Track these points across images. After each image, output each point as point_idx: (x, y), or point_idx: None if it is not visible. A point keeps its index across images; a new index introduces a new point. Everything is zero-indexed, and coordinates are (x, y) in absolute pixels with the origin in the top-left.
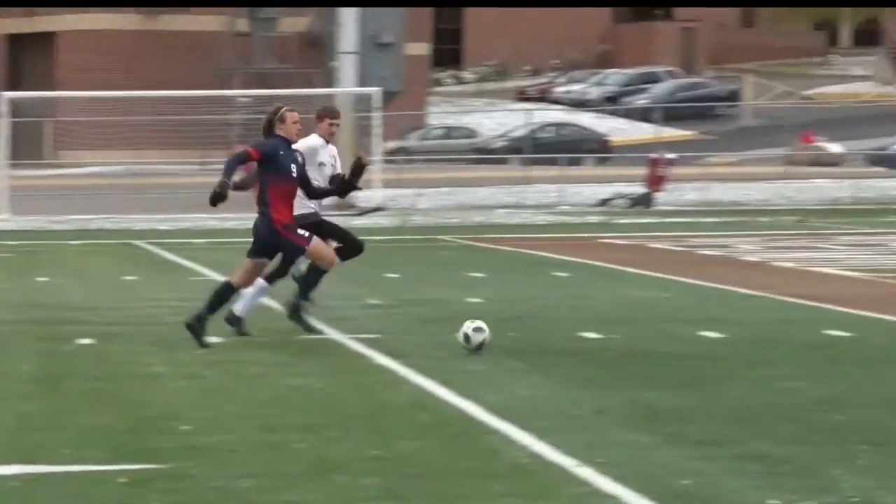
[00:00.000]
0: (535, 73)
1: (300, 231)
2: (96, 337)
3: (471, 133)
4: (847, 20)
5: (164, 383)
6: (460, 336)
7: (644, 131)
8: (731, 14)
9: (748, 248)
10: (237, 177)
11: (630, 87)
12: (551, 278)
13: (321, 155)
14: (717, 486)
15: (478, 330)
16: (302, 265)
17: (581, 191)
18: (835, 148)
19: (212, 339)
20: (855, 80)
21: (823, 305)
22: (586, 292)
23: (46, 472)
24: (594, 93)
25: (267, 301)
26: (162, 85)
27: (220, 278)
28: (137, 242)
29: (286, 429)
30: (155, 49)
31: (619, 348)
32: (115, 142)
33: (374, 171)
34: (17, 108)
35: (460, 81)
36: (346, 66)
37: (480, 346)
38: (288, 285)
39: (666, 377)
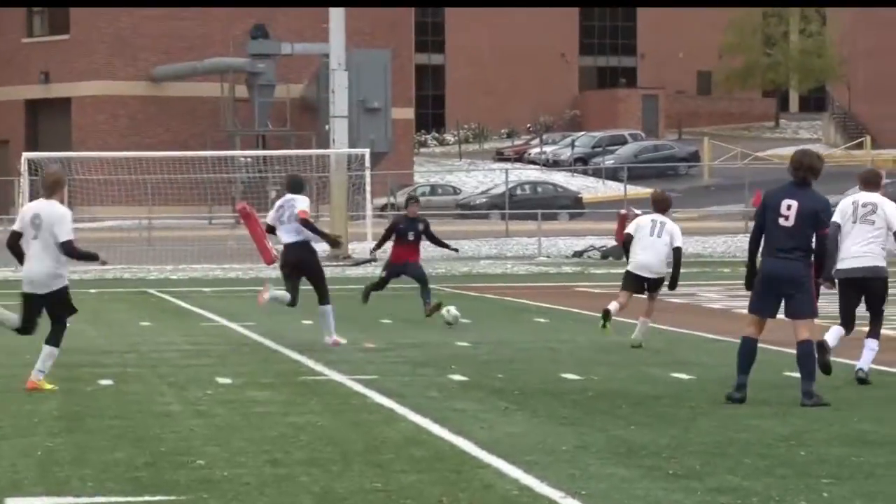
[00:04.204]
0: (511, 135)
1: None
2: (115, 378)
3: (454, 190)
4: (795, 87)
5: (179, 420)
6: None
7: (612, 189)
8: (688, 82)
9: (711, 297)
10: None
11: (598, 149)
12: (533, 324)
13: None
14: None
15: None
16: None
17: (557, 243)
18: None
19: (222, 381)
20: (804, 143)
21: (783, 349)
22: (565, 336)
23: (72, 503)
24: (565, 154)
25: (270, 343)
26: (167, 146)
27: (228, 323)
28: (152, 291)
29: (293, 463)
30: (160, 113)
31: (597, 388)
32: (126, 198)
33: (366, 225)
34: (36, 168)
35: (443, 143)
36: (339, 128)
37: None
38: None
39: (641, 415)
